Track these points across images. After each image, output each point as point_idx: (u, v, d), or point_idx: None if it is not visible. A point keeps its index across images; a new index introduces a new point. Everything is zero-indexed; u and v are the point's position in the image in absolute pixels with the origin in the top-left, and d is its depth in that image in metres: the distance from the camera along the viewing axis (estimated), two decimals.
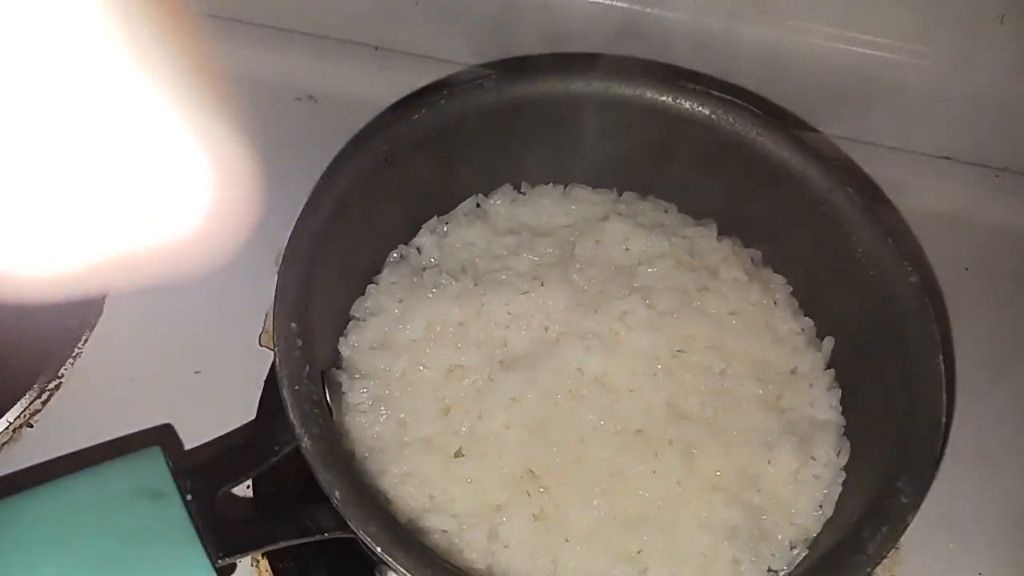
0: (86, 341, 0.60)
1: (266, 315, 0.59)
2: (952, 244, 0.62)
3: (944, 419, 0.45)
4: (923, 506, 0.41)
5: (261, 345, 0.59)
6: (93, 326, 0.60)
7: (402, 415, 0.49)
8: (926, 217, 0.64)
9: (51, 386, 0.57)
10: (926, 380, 0.47)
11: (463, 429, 0.49)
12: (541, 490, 0.47)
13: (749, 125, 0.54)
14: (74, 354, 0.59)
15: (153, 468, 0.37)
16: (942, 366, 0.47)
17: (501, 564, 0.45)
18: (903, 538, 0.41)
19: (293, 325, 0.43)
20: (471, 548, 0.46)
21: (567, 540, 0.46)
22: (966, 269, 0.62)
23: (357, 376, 0.50)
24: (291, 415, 0.40)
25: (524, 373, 0.50)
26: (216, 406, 0.54)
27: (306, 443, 0.39)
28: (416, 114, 0.51)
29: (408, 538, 0.39)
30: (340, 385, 0.49)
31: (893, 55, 0.64)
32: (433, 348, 0.51)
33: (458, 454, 0.48)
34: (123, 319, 0.60)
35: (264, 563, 0.52)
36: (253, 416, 0.52)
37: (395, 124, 0.50)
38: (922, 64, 0.64)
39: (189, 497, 0.38)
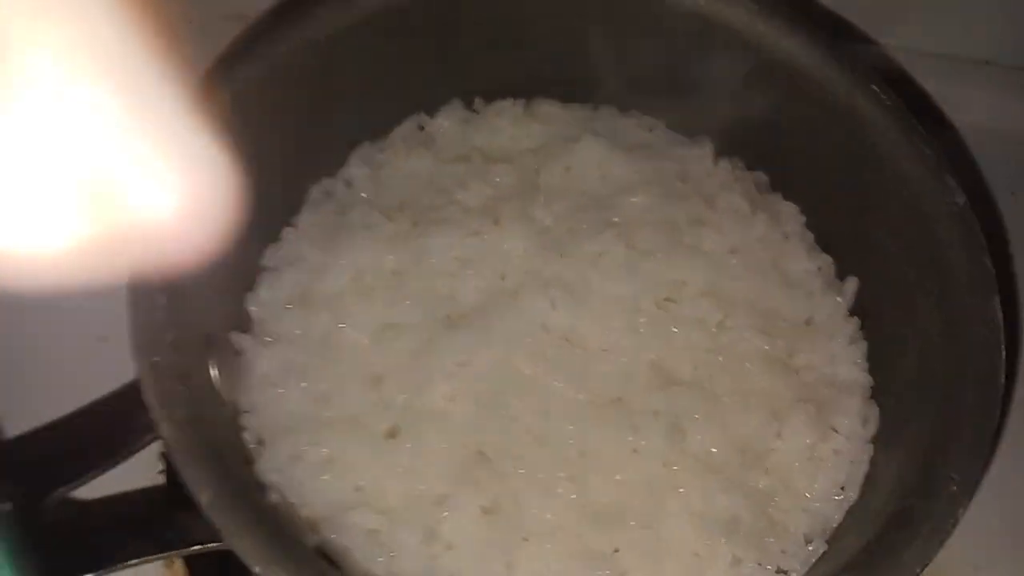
0: None
1: None
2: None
3: (1003, 379, 0.35)
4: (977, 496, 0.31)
5: None
6: None
7: (323, 387, 0.40)
8: (992, 137, 0.52)
9: None
10: (979, 328, 0.37)
11: (398, 403, 0.40)
12: (494, 477, 0.38)
13: (746, 12, 0.43)
14: None
15: None
16: (999, 310, 0.36)
17: (442, 570, 0.36)
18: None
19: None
20: (404, 552, 0.37)
21: (525, 539, 0.37)
22: None
23: (268, 340, 0.41)
24: (147, 395, 0.30)
25: (474, 332, 0.41)
26: (104, 377, 0.45)
27: (166, 431, 0.30)
28: (322, 6, 0.40)
29: (298, 555, 0.30)
30: (243, 352, 0.40)
31: None
32: (361, 304, 0.42)
33: (391, 434, 0.39)
34: None
35: (178, 564, 0.43)
36: None
37: (294, 22, 0.40)
38: None
39: (8, 505, 0.29)
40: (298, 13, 0.40)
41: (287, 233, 0.44)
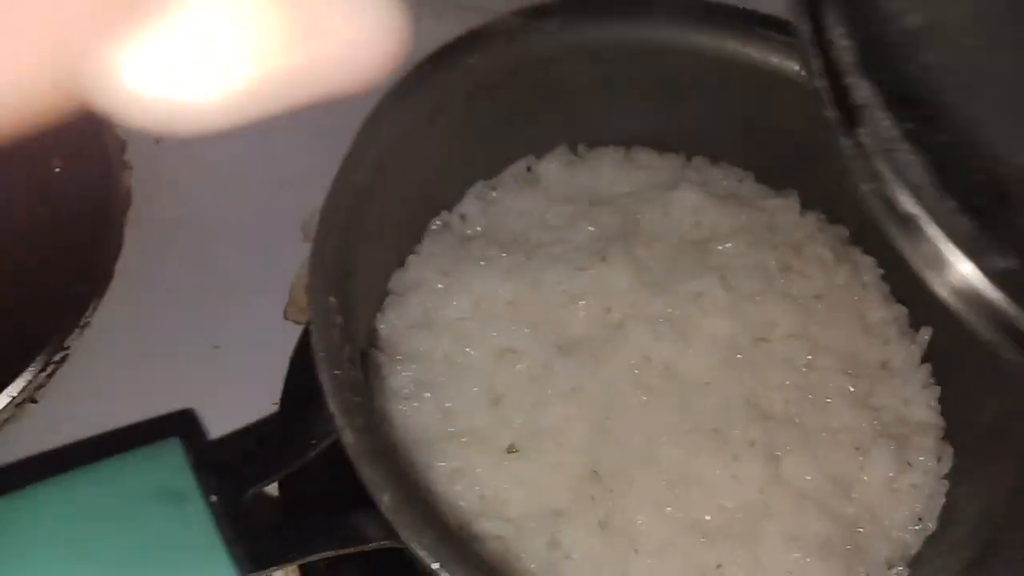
0: (95, 309, 0.56)
1: (291, 285, 0.55)
2: None
3: None
4: None
5: (287, 319, 0.54)
6: (102, 293, 0.56)
7: (447, 404, 0.44)
8: None
9: (57, 358, 0.54)
10: None
11: (516, 422, 0.43)
12: (606, 494, 0.41)
13: None
14: (82, 323, 0.55)
15: (173, 464, 0.32)
16: None
17: None
18: None
19: (332, 299, 0.37)
20: (530, 557, 0.40)
21: (636, 551, 0.41)
22: None
23: (398, 358, 0.45)
24: (331, 404, 0.34)
25: (584, 360, 0.44)
26: (236, 387, 0.50)
27: (349, 437, 0.34)
28: (468, 61, 0.44)
29: (469, 552, 0.33)
30: (380, 368, 0.44)
31: None
32: (481, 329, 0.46)
33: (511, 449, 0.43)
34: (135, 286, 0.55)
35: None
36: (276, 399, 0.47)
37: (443, 73, 0.44)
38: None
39: (214, 499, 0.33)
40: (450, 63, 0.44)
41: (411, 260, 0.48)
